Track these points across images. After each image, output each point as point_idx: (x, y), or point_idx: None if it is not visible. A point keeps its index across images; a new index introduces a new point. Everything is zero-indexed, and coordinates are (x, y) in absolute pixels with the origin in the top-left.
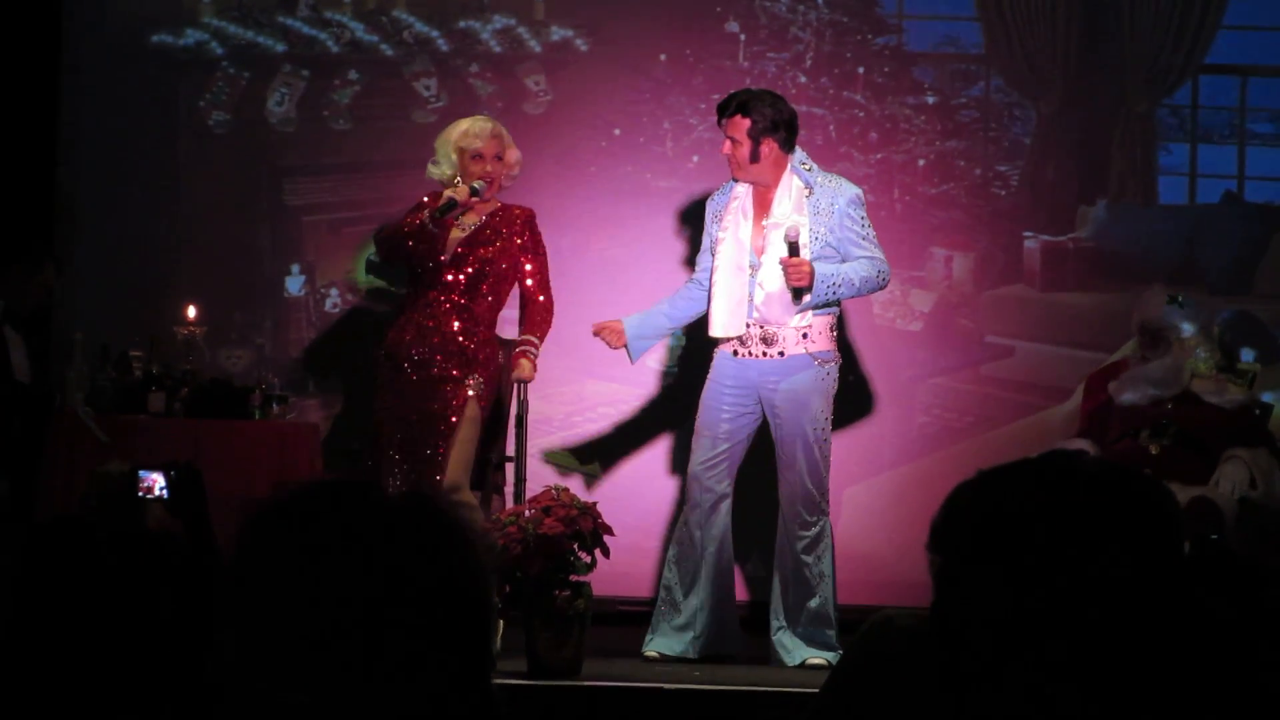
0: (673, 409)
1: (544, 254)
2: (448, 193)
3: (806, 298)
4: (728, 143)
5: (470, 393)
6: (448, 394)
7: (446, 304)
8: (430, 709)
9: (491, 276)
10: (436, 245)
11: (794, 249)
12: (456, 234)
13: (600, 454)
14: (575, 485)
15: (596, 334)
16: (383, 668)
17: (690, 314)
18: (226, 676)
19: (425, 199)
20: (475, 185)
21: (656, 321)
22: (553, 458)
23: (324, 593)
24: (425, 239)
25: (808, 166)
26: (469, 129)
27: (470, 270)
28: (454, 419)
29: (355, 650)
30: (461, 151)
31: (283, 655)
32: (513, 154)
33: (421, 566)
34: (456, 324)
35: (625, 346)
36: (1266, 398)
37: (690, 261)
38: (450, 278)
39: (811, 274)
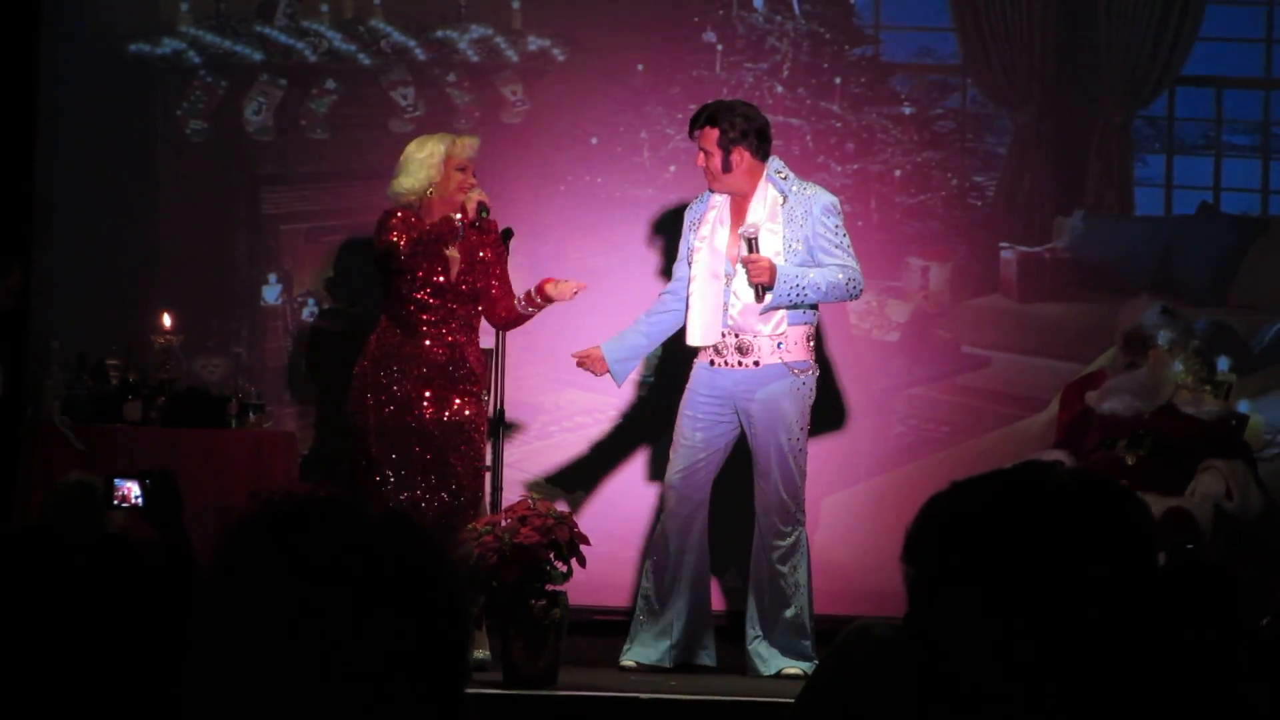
0: (650, 419)
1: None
2: (478, 198)
3: (769, 296)
4: (701, 155)
5: (484, 401)
6: (463, 407)
7: (446, 317)
8: None
9: (481, 289)
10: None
11: (750, 246)
12: (454, 253)
13: (577, 466)
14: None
15: (580, 365)
16: (356, 684)
17: (666, 328)
18: (199, 686)
19: (399, 216)
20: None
21: (635, 341)
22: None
23: (300, 607)
24: (445, 245)
25: (783, 175)
26: (464, 141)
27: (467, 284)
28: (474, 434)
29: (329, 665)
30: (450, 160)
31: (255, 667)
32: None
33: (399, 585)
34: (461, 338)
35: (609, 372)
36: (1242, 408)
37: (667, 270)
38: (450, 294)
39: (772, 270)
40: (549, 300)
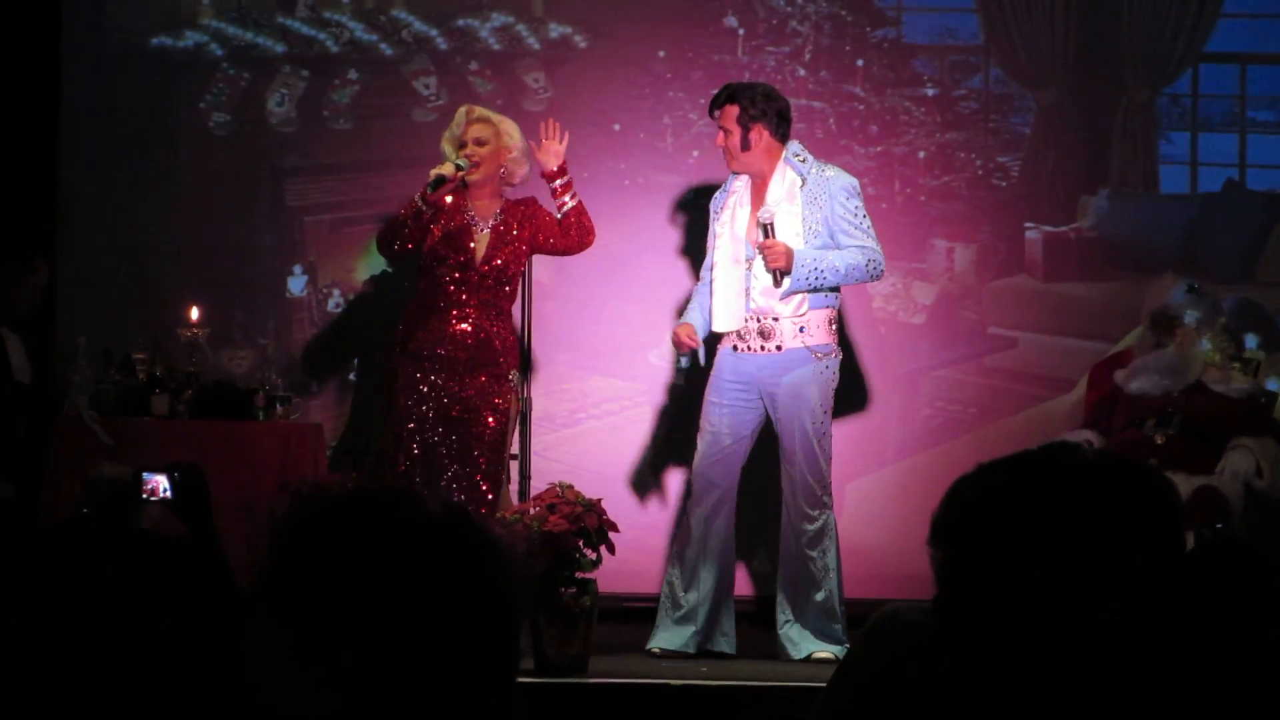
0: (677, 405)
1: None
2: (434, 171)
3: (787, 281)
4: (721, 134)
5: (511, 385)
6: (490, 391)
7: (475, 301)
8: None
9: (514, 274)
10: (440, 228)
11: (767, 231)
12: (484, 236)
13: (605, 451)
14: (582, 481)
15: (677, 337)
16: (414, 673)
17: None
18: (252, 681)
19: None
20: (459, 162)
21: (698, 320)
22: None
23: (361, 597)
24: (421, 220)
25: (802, 158)
26: (456, 118)
27: (498, 268)
28: (498, 419)
29: (388, 654)
30: (453, 142)
31: (314, 656)
32: (510, 140)
33: (460, 576)
34: (487, 321)
35: (693, 349)
36: (1271, 386)
37: (690, 254)
38: (479, 277)
39: (788, 254)
40: (554, 168)
